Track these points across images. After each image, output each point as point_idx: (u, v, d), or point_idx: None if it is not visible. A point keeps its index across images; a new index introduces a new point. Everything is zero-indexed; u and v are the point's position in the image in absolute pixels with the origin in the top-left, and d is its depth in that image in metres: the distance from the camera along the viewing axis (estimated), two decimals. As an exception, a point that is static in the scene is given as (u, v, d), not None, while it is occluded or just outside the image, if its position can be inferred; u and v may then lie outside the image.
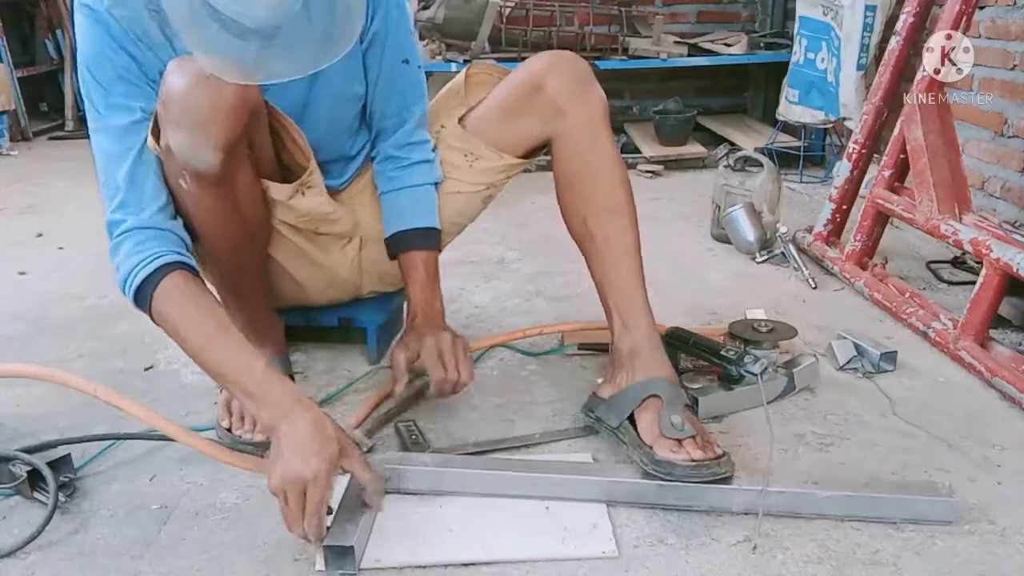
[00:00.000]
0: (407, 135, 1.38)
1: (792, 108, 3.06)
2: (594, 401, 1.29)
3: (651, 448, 1.13)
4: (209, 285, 1.39)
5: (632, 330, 1.26)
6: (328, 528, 1.01)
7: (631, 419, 1.20)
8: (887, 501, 1.09)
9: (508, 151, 1.37)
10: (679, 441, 1.12)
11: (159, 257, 1.12)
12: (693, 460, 1.10)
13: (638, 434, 1.17)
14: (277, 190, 1.27)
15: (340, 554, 0.99)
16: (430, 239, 1.37)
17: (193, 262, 1.18)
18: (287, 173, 1.30)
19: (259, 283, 1.39)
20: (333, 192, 1.41)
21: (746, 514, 1.09)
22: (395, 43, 1.32)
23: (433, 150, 1.40)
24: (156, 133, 1.13)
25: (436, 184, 1.40)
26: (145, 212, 1.14)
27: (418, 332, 1.31)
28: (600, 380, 1.35)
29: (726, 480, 1.09)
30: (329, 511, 1.03)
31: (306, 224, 1.35)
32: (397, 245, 1.37)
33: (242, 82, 1.03)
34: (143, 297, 1.12)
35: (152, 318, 1.14)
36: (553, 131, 1.31)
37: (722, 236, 2.29)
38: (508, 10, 3.40)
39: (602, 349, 1.56)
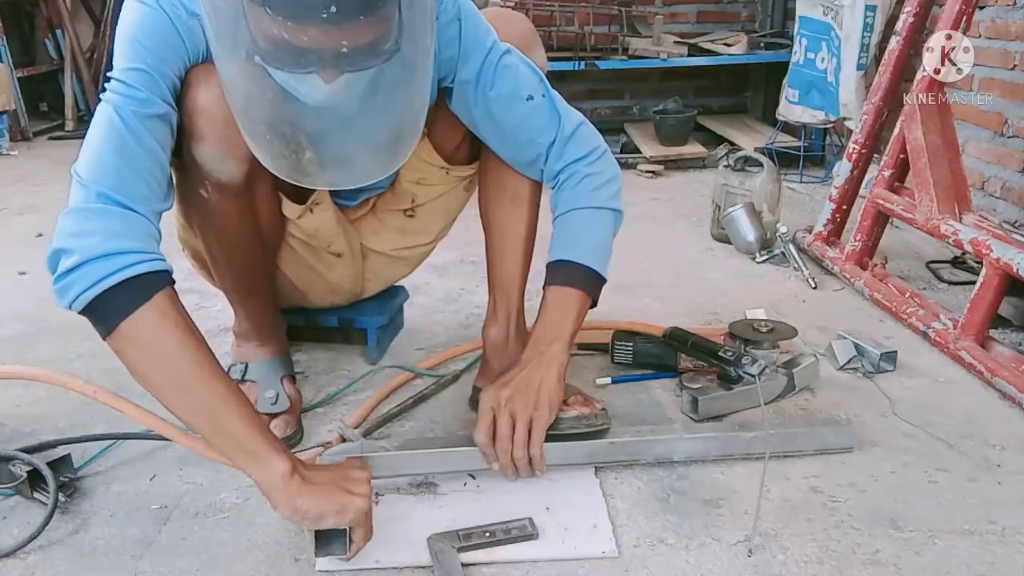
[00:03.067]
0: (553, 164, 1.23)
1: (792, 108, 3.05)
2: (478, 393, 1.29)
3: None
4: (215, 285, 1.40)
5: (500, 321, 1.34)
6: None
7: None
8: (800, 436, 1.24)
9: (459, 127, 1.28)
10: (565, 402, 1.21)
11: (146, 262, 0.96)
12: (580, 415, 1.20)
13: None
14: (288, 208, 1.29)
15: (332, 537, 0.98)
16: (558, 275, 1.22)
17: (171, 270, 1.01)
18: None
19: (266, 287, 1.39)
20: (343, 209, 1.42)
21: (745, 514, 1.10)
22: (503, 85, 1.17)
23: (591, 160, 1.23)
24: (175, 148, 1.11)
25: (589, 207, 1.22)
26: (139, 205, 0.98)
27: (507, 372, 1.20)
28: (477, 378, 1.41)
29: (604, 431, 1.20)
30: None
31: (316, 242, 1.36)
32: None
33: (285, 177, 0.96)
34: (113, 304, 0.94)
35: (108, 333, 0.96)
36: None
37: (722, 236, 2.29)
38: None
39: (602, 349, 1.56)
